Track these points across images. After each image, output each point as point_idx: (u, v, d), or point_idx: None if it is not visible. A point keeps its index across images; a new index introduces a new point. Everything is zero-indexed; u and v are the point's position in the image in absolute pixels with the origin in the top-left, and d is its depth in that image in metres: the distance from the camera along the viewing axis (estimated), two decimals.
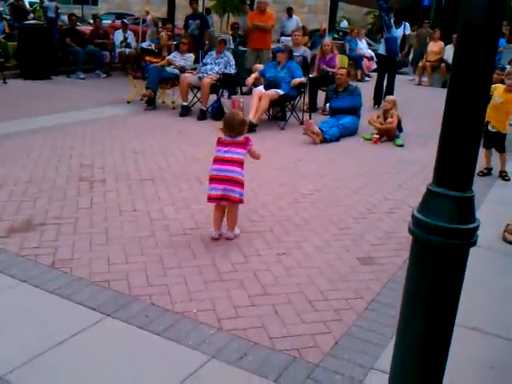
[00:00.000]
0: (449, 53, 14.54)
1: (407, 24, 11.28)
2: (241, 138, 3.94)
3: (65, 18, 15.80)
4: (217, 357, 2.68)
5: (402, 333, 1.97)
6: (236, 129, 3.93)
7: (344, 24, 19.57)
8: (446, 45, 14.93)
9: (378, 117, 7.83)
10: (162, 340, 2.80)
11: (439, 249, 1.83)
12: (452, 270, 1.85)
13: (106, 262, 3.62)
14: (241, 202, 3.98)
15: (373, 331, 2.98)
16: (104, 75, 12.72)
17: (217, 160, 3.93)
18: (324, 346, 2.82)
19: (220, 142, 3.97)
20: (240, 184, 3.92)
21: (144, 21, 13.61)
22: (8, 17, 16.94)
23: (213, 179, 3.92)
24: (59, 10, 17.20)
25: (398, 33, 10.74)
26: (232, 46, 12.20)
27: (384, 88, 10.57)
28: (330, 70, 9.82)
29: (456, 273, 1.86)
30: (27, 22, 13.19)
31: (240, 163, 3.93)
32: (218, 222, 4.07)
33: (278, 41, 14.39)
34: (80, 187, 5.04)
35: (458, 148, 1.80)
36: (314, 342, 2.84)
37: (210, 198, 3.97)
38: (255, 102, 7.97)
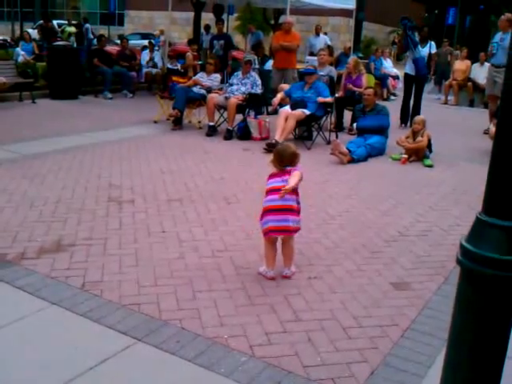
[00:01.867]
0: (475, 72, 14.44)
1: (433, 43, 11.23)
2: (288, 168, 3.72)
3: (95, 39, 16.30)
4: None
5: (450, 367, 1.88)
6: (285, 161, 3.71)
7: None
8: (472, 63, 14.83)
9: (407, 137, 7.73)
10: (194, 367, 2.74)
11: (489, 281, 1.75)
12: (503, 304, 1.77)
13: (135, 284, 3.59)
14: (296, 230, 3.76)
15: (410, 360, 2.88)
16: (131, 95, 12.84)
17: (268, 191, 3.72)
18: (360, 375, 2.73)
19: (271, 175, 3.77)
20: (293, 211, 3.69)
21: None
22: (37, 38, 17.36)
23: (268, 210, 3.69)
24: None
25: (424, 52, 10.72)
26: (257, 66, 12.26)
27: (411, 107, 10.49)
28: (356, 89, 9.77)
29: (507, 307, 1.78)
30: (56, 43, 13.46)
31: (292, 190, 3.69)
32: (274, 258, 3.78)
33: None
34: (109, 208, 5.04)
35: (509, 176, 1.72)
36: (349, 372, 2.76)
37: (271, 231, 3.69)
38: (281, 121, 7.93)
